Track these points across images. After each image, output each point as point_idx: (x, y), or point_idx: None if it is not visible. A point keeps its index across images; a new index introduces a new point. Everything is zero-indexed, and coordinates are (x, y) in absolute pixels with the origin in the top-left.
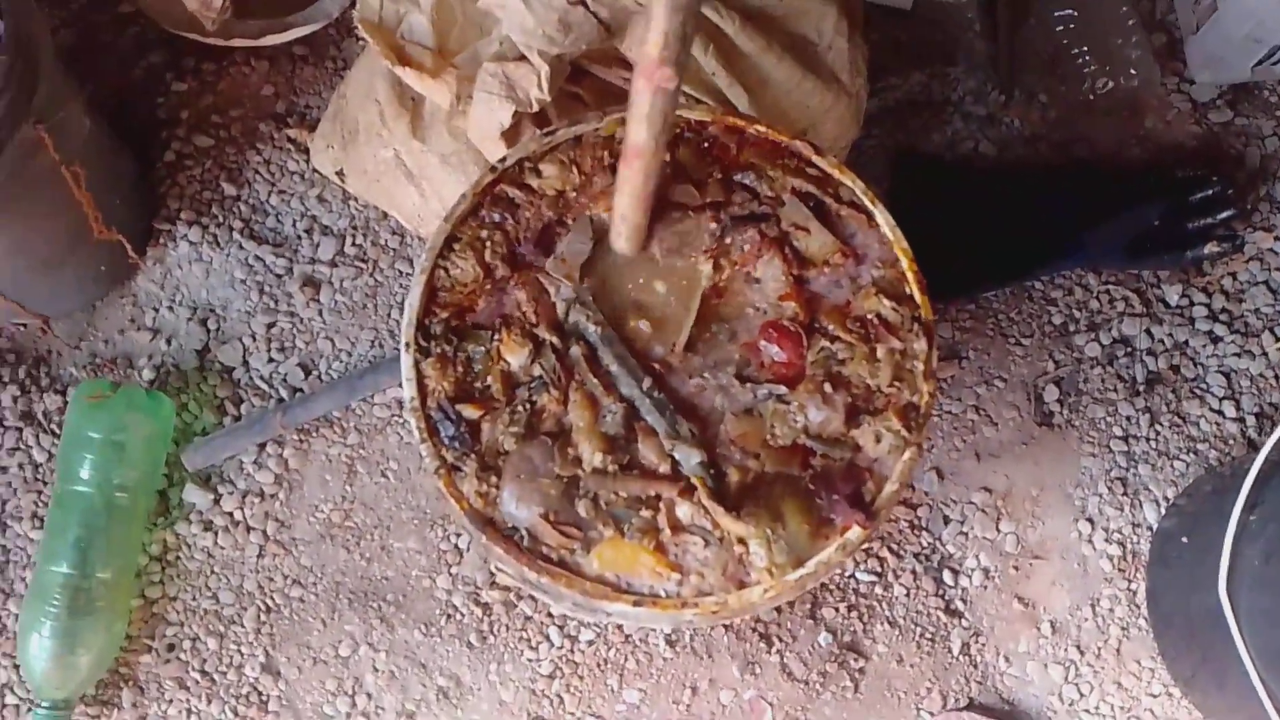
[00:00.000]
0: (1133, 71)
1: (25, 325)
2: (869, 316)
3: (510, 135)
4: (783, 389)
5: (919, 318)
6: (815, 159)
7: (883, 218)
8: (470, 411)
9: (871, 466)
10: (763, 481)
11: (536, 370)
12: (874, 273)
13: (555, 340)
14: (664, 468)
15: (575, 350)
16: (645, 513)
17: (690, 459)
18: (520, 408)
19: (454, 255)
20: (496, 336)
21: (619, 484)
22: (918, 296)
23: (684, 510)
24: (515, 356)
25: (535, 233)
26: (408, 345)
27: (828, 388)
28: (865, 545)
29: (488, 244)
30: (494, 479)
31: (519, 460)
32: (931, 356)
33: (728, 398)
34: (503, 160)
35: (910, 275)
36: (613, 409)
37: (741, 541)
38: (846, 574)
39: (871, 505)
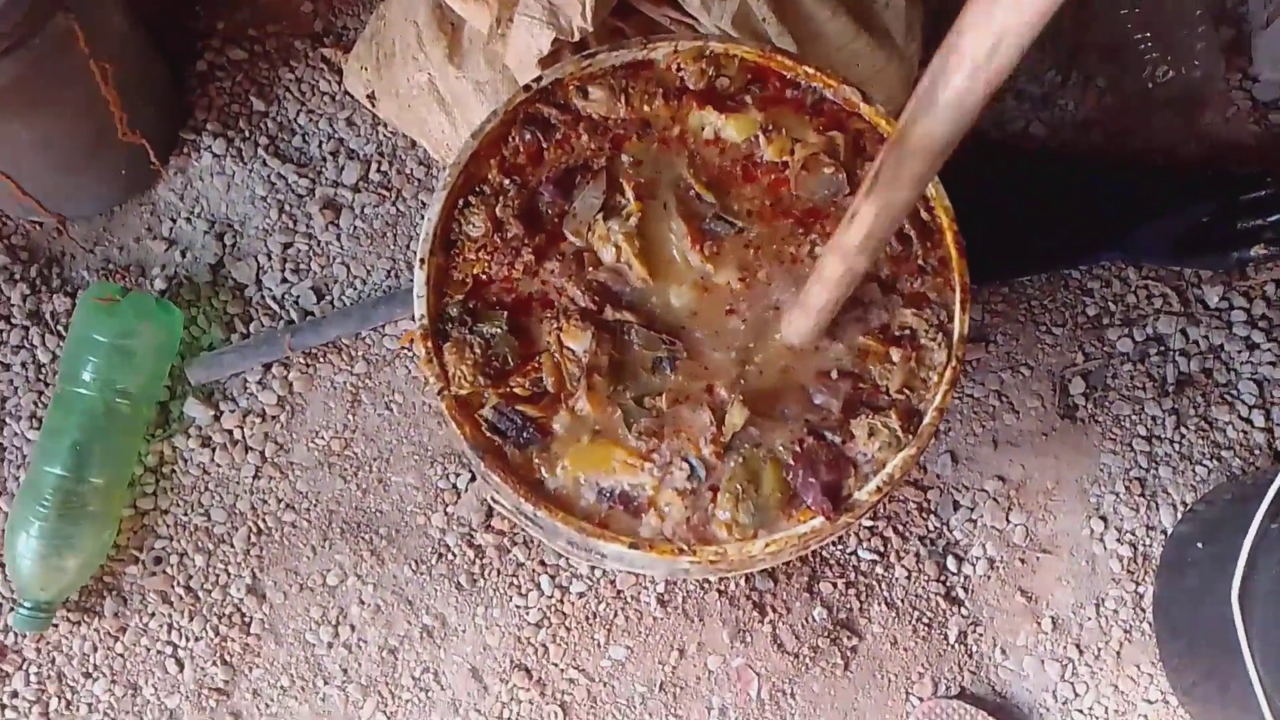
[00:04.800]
0: (1196, 63)
1: (41, 224)
2: (894, 326)
3: (548, 63)
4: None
5: (945, 328)
6: (862, 107)
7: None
8: (532, 412)
9: (858, 462)
10: (751, 437)
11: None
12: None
13: (619, 316)
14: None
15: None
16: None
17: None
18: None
19: (467, 211)
20: (556, 325)
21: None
22: (957, 303)
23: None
24: (579, 343)
25: (557, 173)
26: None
27: (833, 375)
28: (829, 539)
29: (499, 199)
30: None
31: None
32: (948, 372)
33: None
34: (537, 80)
35: (954, 253)
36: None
37: (714, 490)
38: (848, 550)
39: (846, 499)
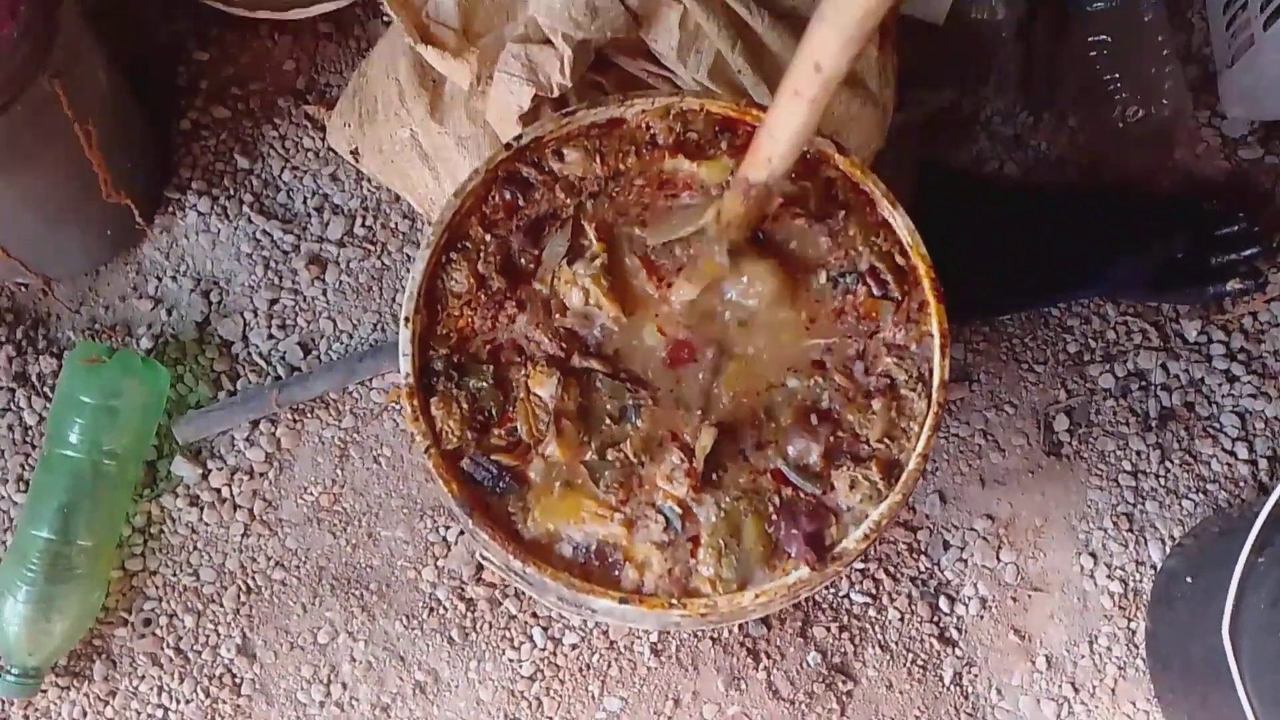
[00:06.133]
0: (1165, 101)
1: (26, 285)
2: (877, 372)
3: (528, 119)
4: None
5: (925, 379)
6: (837, 158)
7: (902, 221)
8: (508, 460)
9: (839, 511)
10: (732, 491)
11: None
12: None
13: (586, 364)
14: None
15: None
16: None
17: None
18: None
19: (450, 267)
20: (524, 372)
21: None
22: (937, 352)
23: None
24: (545, 388)
25: (526, 223)
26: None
27: (813, 419)
28: (820, 586)
29: (480, 254)
30: None
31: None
32: (929, 418)
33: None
34: (518, 138)
35: (932, 299)
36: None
37: (694, 542)
38: (840, 594)
39: (829, 550)
